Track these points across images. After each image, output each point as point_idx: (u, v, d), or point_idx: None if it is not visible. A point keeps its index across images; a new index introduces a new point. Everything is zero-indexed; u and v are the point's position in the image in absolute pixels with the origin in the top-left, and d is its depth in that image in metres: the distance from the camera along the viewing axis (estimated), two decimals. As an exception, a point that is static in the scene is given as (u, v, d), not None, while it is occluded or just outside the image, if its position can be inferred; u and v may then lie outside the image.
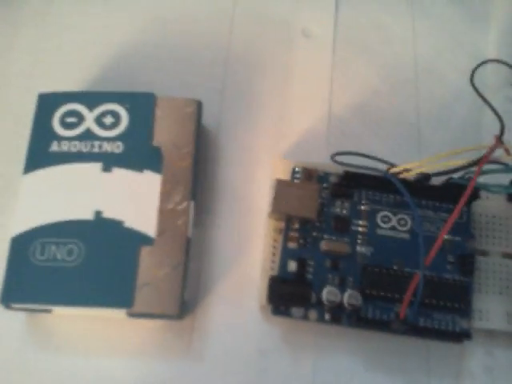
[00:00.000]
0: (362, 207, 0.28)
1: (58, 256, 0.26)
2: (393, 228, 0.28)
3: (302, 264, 0.27)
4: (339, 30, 0.35)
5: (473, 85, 0.29)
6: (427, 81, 0.34)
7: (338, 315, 0.26)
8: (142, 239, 0.26)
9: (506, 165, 0.26)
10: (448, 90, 0.33)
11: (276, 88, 0.33)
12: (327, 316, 0.26)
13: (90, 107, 0.29)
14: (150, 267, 0.26)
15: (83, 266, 0.26)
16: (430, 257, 0.24)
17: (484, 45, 0.34)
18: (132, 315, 0.26)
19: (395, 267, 0.27)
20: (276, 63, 0.34)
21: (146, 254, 0.26)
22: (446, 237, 0.27)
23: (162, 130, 0.29)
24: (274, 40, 0.34)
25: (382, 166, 0.28)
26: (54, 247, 0.26)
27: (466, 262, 0.27)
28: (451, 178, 0.27)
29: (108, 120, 0.29)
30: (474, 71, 0.30)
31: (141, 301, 0.26)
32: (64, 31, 0.34)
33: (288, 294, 0.26)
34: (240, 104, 0.32)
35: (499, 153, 0.26)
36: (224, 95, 0.33)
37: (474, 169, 0.25)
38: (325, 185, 0.28)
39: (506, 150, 0.26)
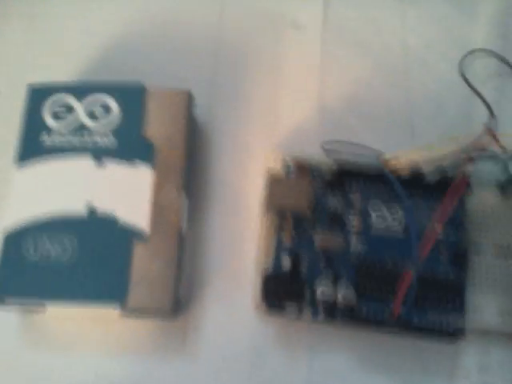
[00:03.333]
0: (356, 202, 0.28)
1: (52, 251, 0.26)
2: (387, 224, 0.28)
3: (295, 260, 0.27)
4: (329, 21, 0.34)
5: (462, 75, 0.29)
6: (418, 72, 0.33)
7: (333, 313, 0.26)
8: (135, 234, 0.26)
9: (494, 153, 0.26)
10: (438, 81, 0.33)
11: (266, 80, 0.33)
12: (321, 314, 0.26)
13: (81, 98, 0.29)
14: (144, 262, 0.26)
15: (76, 261, 0.26)
16: (425, 252, 0.24)
17: (473, 36, 0.34)
18: (125, 313, 0.26)
19: (389, 264, 0.27)
20: (266, 54, 0.33)
21: (139, 249, 0.26)
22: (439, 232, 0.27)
23: (154, 122, 0.28)
24: (264, 31, 0.34)
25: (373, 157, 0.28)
26: (47, 242, 0.26)
27: (460, 257, 0.27)
28: (441, 169, 0.27)
29: (98, 112, 0.28)
30: (461, 61, 0.30)
31: (134, 296, 0.25)
32: (53, 23, 0.34)
33: (282, 290, 0.26)
34: (231, 96, 0.32)
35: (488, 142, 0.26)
36: (214, 87, 0.32)
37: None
38: (318, 179, 0.28)
39: (497, 141, 0.26)
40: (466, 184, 0.27)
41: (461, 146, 0.26)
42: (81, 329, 0.27)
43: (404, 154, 0.27)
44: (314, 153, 0.29)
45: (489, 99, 0.32)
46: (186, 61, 0.33)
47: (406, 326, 0.26)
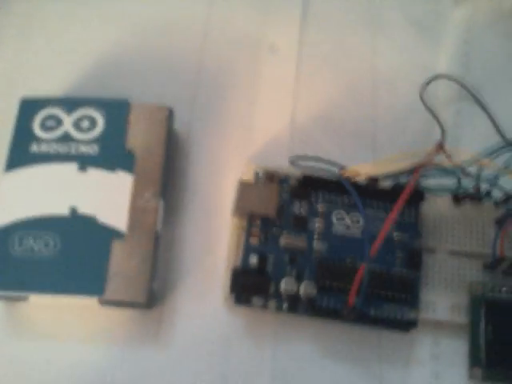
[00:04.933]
0: (319, 207, 0.30)
1: (36, 248, 0.28)
2: (346, 227, 0.30)
3: (262, 258, 0.29)
4: (304, 45, 0.37)
5: (421, 98, 0.32)
6: (383, 94, 0.36)
7: (295, 305, 0.28)
8: (113, 233, 0.29)
9: (446, 168, 0.28)
10: (402, 103, 0.36)
11: (244, 98, 0.35)
12: (285, 305, 0.28)
13: (69, 112, 0.31)
14: (121, 259, 0.28)
15: (59, 257, 0.28)
16: (375, 248, 0.26)
17: (436, 63, 0.37)
18: (104, 303, 0.28)
19: (348, 262, 0.29)
20: (244, 75, 0.36)
21: (117, 247, 0.28)
22: (395, 235, 0.30)
23: (135, 133, 0.31)
24: (243, 53, 0.37)
25: (337, 170, 0.30)
26: (31, 240, 0.28)
27: (414, 257, 0.29)
28: (398, 181, 0.30)
29: (85, 124, 0.31)
30: (424, 85, 0.32)
31: (112, 289, 0.28)
32: (45, 40, 0.37)
33: (249, 284, 0.28)
34: (210, 112, 0.35)
35: (442, 158, 0.29)
36: (195, 103, 0.35)
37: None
38: (285, 186, 0.31)
39: (447, 156, 0.28)
40: (417, 192, 0.30)
41: (415, 160, 0.29)
42: (61, 317, 0.29)
43: (363, 167, 0.30)
44: (283, 165, 0.32)
45: (449, 121, 0.34)
46: (169, 78, 0.35)
47: (362, 316, 0.28)
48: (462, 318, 0.29)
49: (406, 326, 0.28)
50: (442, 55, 0.37)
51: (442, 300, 0.29)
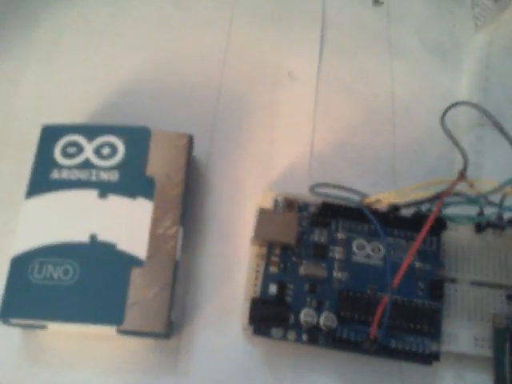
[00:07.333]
0: (339, 235, 0.30)
1: (55, 275, 0.28)
2: (367, 255, 0.30)
3: (282, 287, 0.29)
4: (322, 72, 0.37)
5: (443, 125, 0.32)
6: (403, 120, 0.36)
7: (315, 336, 0.28)
8: (132, 261, 0.28)
9: (468, 197, 0.28)
10: (422, 129, 0.36)
11: (263, 125, 0.35)
12: (304, 336, 0.28)
13: (90, 139, 0.31)
14: (140, 287, 0.28)
15: (78, 285, 0.28)
16: (397, 279, 0.26)
17: (456, 88, 0.37)
18: (122, 332, 0.28)
19: (369, 292, 0.29)
20: (263, 102, 0.36)
21: (136, 275, 0.28)
22: (417, 265, 0.29)
23: (156, 161, 0.31)
24: (262, 81, 0.37)
25: (357, 198, 0.30)
26: (51, 267, 0.28)
27: (435, 288, 0.29)
28: (419, 209, 0.29)
29: (105, 151, 0.31)
30: (445, 112, 0.32)
31: (130, 319, 0.27)
32: (68, 68, 0.37)
33: (268, 315, 0.28)
34: (229, 139, 0.35)
35: (463, 186, 0.28)
36: (214, 130, 0.35)
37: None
38: (305, 214, 0.30)
39: (469, 184, 0.28)
40: (439, 221, 0.29)
41: (437, 190, 0.28)
42: (79, 345, 0.29)
43: (384, 196, 0.30)
44: (303, 192, 0.31)
45: (470, 148, 0.34)
46: (189, 106, 0.36)
47: (384, 348, 0.27)
48: (486, 351, 0.28)
49: (428, 358, 0.28)
50: (462, 81, 0.37)
51: (465, 332, 0.29)
